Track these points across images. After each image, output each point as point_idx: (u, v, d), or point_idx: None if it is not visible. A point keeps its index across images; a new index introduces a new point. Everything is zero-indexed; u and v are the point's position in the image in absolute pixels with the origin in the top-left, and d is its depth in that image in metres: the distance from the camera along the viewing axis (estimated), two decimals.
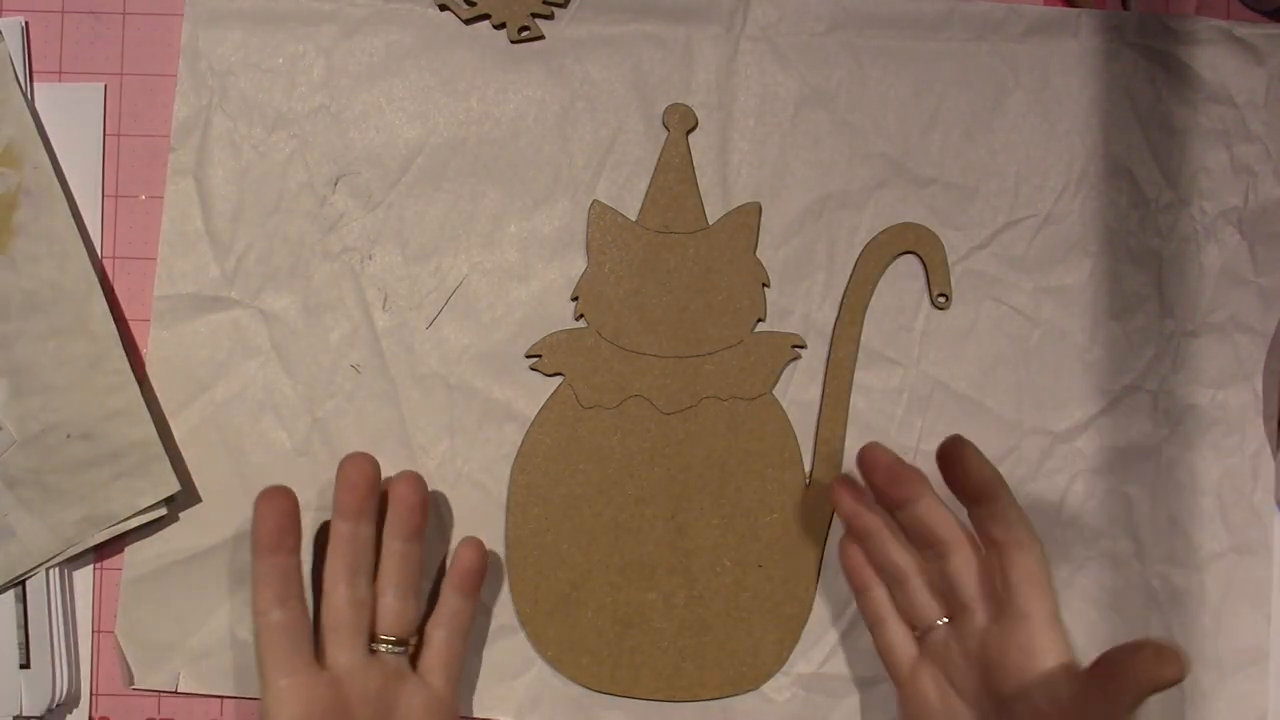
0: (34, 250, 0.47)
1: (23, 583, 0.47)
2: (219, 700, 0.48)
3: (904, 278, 0.51)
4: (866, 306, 0.50)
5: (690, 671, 0.49)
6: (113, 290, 0.49)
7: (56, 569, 0.47)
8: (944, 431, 0.50)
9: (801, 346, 0.50)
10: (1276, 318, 0.51)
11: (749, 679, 0.49)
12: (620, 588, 0.49)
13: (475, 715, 0.48)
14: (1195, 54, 0.51)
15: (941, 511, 0.42)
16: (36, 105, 0.49)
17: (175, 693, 0.48)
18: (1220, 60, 0.51)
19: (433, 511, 0.49)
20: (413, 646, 0.45)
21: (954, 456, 0.41)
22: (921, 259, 0.50)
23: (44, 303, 0.47)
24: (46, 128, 0.49)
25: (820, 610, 0.49)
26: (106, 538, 0.47)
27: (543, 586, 0.49)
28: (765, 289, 0.50)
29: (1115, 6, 0.52)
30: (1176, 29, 0.51)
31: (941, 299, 0.50)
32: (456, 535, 0.49)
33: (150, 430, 0.47)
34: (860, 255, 0.50)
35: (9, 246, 0.47)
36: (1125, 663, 0.36)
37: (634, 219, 0.50)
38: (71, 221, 0.48)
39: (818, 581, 0.49)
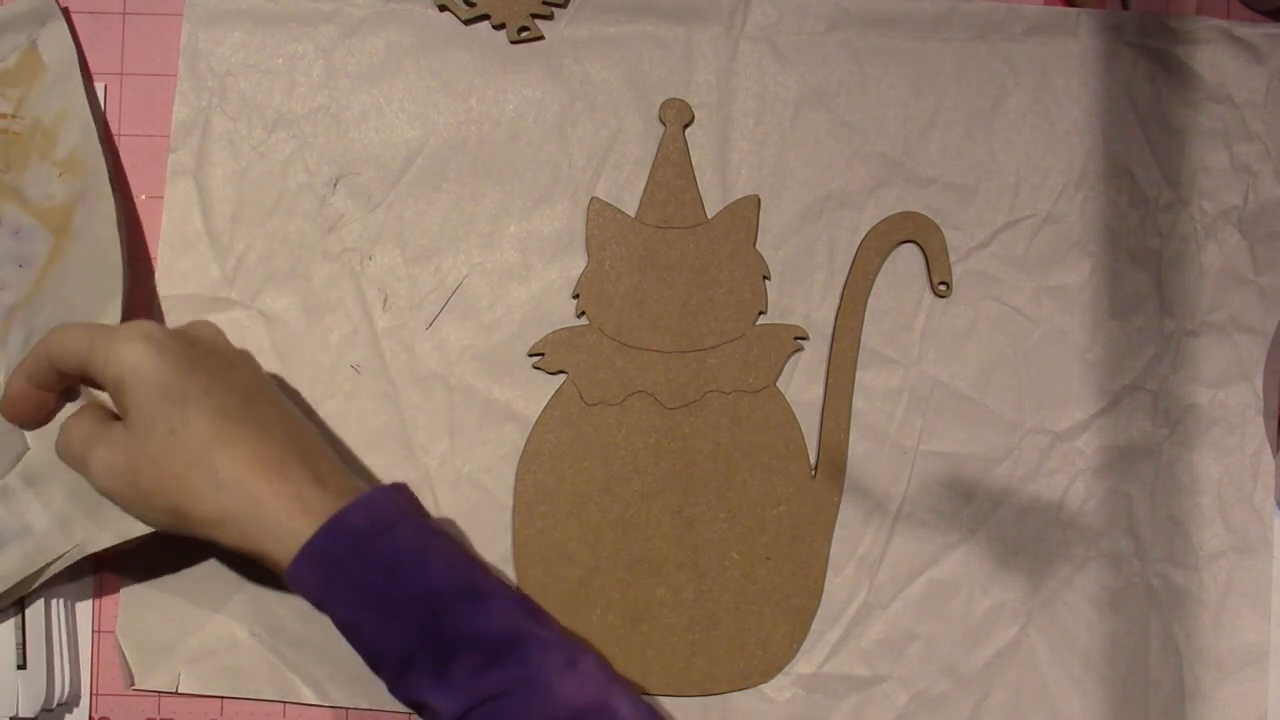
0: (82, 254, 0.47)
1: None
2: (219, 700, 0.48)
3: (904, 277, 0.51)
4: (867, 297, 0.50)
5: (701, 666, 0.49)
6: None
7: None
8: (944, 431, 0.50)
9: (804, 338, 0.50)
10: (1276, 318, 0.51)
11: (760, 672, 0.49)
12: (629, 584, 0.49)
13: None
14: (1195, 54, 0.51)
15: None
16: None
17: (175, 693, 0.47)
18: (1220, 60, 0.51)
19: (433, 512, 0.48)
20: None
21: None
22: (921, 247, 0.51)
23: (73, 308, 0.47)
24: None
25: (820, 610, 0.49)
26: (116, 541, 0.45)
27: (551, 584, 0.49)
28: (766, 281, 0.50)
29: (1115, 6, 0.52)
30: (1176, 29, 0.51)
31: (942, 287, 0.50)
32: (457, 536, 0.49)
33: None
34: (860, 245, 0.50)
35: (65, 251, 0.47)
36: None
37: (633, 215, 0.50)
38: (115, 230, 0.47)
39: (826, 572, 0.49)
